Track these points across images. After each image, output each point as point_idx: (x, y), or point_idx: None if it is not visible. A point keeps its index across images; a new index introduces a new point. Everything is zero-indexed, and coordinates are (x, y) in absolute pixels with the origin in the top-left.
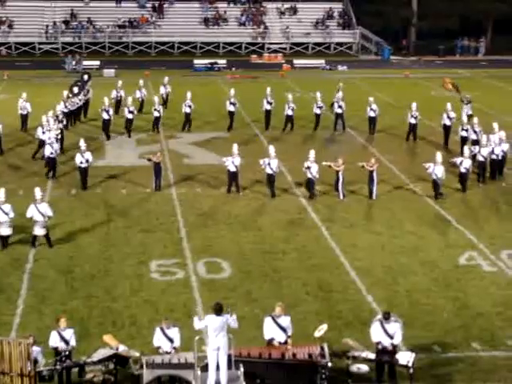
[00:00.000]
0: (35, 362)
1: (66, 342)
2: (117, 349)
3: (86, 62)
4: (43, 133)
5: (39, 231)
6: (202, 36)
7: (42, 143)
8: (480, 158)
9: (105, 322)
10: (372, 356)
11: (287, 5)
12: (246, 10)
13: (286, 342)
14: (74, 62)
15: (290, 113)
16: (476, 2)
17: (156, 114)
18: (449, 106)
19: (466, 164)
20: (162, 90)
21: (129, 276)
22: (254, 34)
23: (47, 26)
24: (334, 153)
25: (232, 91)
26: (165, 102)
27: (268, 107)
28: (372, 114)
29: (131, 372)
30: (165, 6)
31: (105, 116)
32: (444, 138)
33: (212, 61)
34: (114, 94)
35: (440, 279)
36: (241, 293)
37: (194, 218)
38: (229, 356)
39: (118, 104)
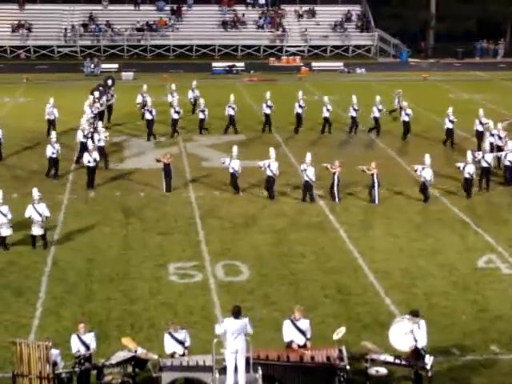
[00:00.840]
0: (54, 364)
1: (87, 346)
2: (135, 351)
3: (104, 65)
4: (84, 136)
5: (37, 231)
6: (220, 39)
7: (83, 146)
8: (484, 164)
9: (123, 324)
10: (390, 359)
11: (305, 7)
12: (265, 13)
13: (305, 345)
14: (92, 65)
15: (299, 111)
16: (494, 5)
17: (201, 115)
18: (481, 112)
19: (469, 169)
20: (191, 95)
21: (147, 279)
22: (272, 37)
23: (66, 29)
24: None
25: (268, 94)
26: (193, 107)
27: (299, 111)
28: (406, 119)
29: (149, 374)
30: (183, 9)
31: (148, 116)
32: (477, 143)
33: (230, 64)
34: (139, 98)
35: (459, 282)
36: (259, 295)
37: (212, 221)
38: (247, 359)
39: (144, 107)
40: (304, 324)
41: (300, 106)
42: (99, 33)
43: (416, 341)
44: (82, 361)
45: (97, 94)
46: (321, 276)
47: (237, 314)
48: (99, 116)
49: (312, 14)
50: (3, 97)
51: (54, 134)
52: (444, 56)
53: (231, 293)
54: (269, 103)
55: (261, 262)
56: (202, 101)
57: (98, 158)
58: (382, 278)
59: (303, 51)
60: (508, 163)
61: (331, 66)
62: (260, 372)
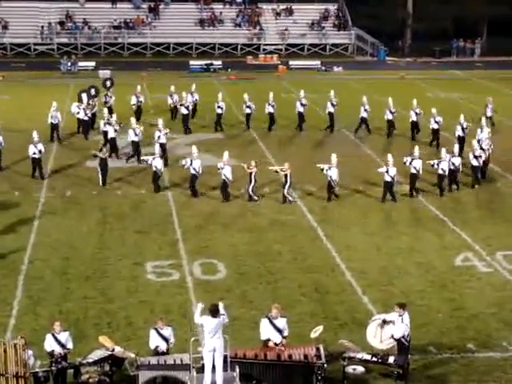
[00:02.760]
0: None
1: (62, 345)
2: (112, 350)
3: (81, 63)
4: (115, 131)
5: None
6: (197, 37)
7: (105, 135)
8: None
9: (100, 323)
10: (368, 357)
11: (283, 6)
12: (242, 11)
13: (281, 344)
14: (69, 63)
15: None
16: (471, 4)
17: (219, 111)
18: (462, 118)
19: (442, 166)
20: (190, 99)
21: (124, 277)
22: (249, 35)
23: (42, 26)
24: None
25: (271, 94)
26: (193, 112)
27: (301, 109)
28: (435, 126)
29: (127, 373)
30: (160, 7)
31: (184, 111)
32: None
33: (208, 62)
34: (134, 100)
35: (435, 280)
36: (236, 294)
37: (189, 220)
38: (225, 357)
39: (138, 110)
40: (281, 322)
41: (302, 105)
42: (76, 31)
43: (393, 335)
44: (59, 359)
45: (84, 96)
46: (298, 275)
47: (214, 312)
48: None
49: (289, 12)
50: None
51: (35, 134)
52: (421, 55)
53: (208, 291)
54: (272, 102)
55: (238, 261)
56: (220, 96)
57: (42, 150)
58: (360, 276)
59: (281, 49)
60: (441, 171)
61: (309, 64)
62: (238, 370)
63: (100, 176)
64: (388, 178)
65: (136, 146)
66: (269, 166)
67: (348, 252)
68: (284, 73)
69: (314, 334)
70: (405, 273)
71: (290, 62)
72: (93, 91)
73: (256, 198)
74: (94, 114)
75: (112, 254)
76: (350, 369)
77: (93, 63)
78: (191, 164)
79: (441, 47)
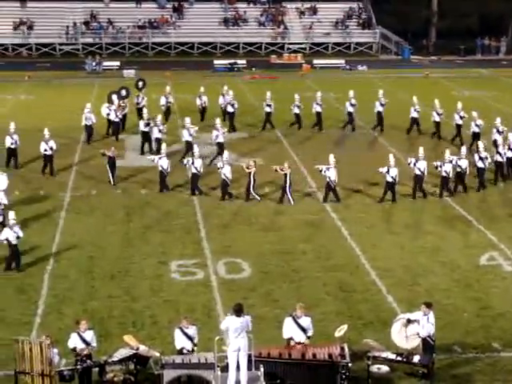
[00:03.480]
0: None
1: (87, 344)
2: (137, 349)
3: (106, 63)
4: (159, 131)
5: None
6: (221, 36)
7: (145, 136)
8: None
9: (125, 322)
10: (392, 356)
11: (307, 5)
12: (266, 10)
13: (304, 343)
14: (94, 63)
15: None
16: (496, 1)
17: (268, 109)
18: (459, 105)
19: (446, 168)
20: (221, 101)
21: (149, 276)
22: (273, 34)
23: (67, 26)
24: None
25: (297, 96)
26: (224, 114)
27: (319, 109)
28: (476, 130)
29: (151, 372)
30: (184, 6)
31: (230, 109)
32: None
33: (232, 61)
34: (163, 100)
35: (460, 279)
36: (260, 293)
37: (214, 219)
38: (249, 356)
39: (168, 110)
40: (305, 321)
41: (318, 104)
42: (101, 30)
43: (419, 333)
44: (84, 358)
45: (115, 97)
46: (322, 273)
47: (239, 311)
48: (123, 118)
49: (313, 11)
50: (5, 94)
51: (46, 131)
52: (446, 53)
53: (233, 290)
54: (268, 102)
55: (262, 260)
56: (268, 94)
57: (54, 147)
58: (384, 275)
59: (305, 48)
60: (444, 174)
61: (333, 63)
62: (262, 369)
63: (110, 175)
64: (389, 179)
65: (190, 145)
66: (272, 166)
67: (372, 251)
68: (308, 72)
69: (338, 333)
70: (429, 272)
71: (314, 61)
72: (123, 92)
73: (257, 196)
74: (124, 116)
75: (136, 253)
76: (374, 368)
77: (117, 63)
78: (193, 163)
79: (465, 45)
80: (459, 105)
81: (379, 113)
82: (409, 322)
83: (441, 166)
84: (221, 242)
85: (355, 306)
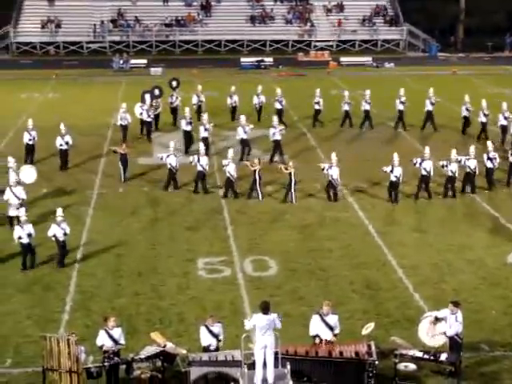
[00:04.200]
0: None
1: (115, 341)
2: (164, 346)
3: (133, 61)
4: (188, 123)
5: (13, 212)
6: (248, 34)
7: (188, 135)
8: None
9: (152, 319)
10: (419, 354)
11: (334, 2)
12: (293, 8)
13: (331, 341)
14: (121, 61)
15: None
16: None
17: (316, 106)
18: (504, 105)
19: (452, 167)
20: (256, 100)
21: (176, 274)
22: (300, 32)
23: (95, 25)
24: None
25: (346, 92)
26: (258, 113)
27: (347, 108)
28: (505, 123)
29: (178, 369)
30: (212, 4)
31: (278, 106)
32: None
33: (259, 59)
34: (195, 99)
35: (488, 277)
36: (287, 290)
37: (241, 216)
38: (276, 354)
39: (199, 109)
40: (332, 319)
41: (367, 102)
42: (128, 28)
43: (445, 332)
44: (111, 355)
45: (147, 96)
46: (349, 271)
47: (265, 309)
48: (155, 119)
49: (340, 8)
50: (33, 92)
51: (62, 126)
52: (473, 50)
53: (259, 288)
54: (347, 100)
55: (289, 258)
56: (346, 93)
57: (70, 142)
58: (411, 273)
59: (332, 46)
60: (450, 173)
61: (360, 60)
62: (289, 367)
63: (121, 172)
64: (393, 178)
65: (245, 143)
66: (279, 165)
67: (399, 249)
68: (335, 69)
69: (365, 331)
70: (456, 270)
71: (341, 59)
72: (157, 91)
73: (261, 195)
74: (157, 115)
75: (163, 251)
76: (401, 366)
77: (144, 61)
78: (198, 161)
79: (493, 42)
80: (504, 105)
81: (429, 112)
82: (436, 319)
83: (447, 166)
84: (247, 240)
85: (382, 303)
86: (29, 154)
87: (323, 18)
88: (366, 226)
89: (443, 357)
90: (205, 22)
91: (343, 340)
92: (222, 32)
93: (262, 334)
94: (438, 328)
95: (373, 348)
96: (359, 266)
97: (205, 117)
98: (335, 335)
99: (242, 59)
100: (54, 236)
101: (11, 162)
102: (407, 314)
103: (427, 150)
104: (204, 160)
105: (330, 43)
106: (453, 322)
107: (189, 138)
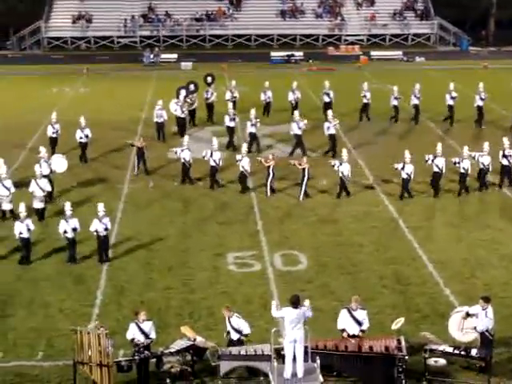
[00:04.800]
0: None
1: (145, 335)
2: (194, 340)
3: (163, 56)
4: (232, 119)
5: (38, 205)
6: (278, 28)
7: (231, 131)
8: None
9: (182, 313)
10: (450, 349)
11: None
12: (323, 2)
13: (358, 336)
14: (151, 56)
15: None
16: None
17: (365, 100)
18: None
19: (464, 164)
20: (291, 97)
21: (206, 268)
22: (331, 26)
23: (125, 19)
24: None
25: (395, 87)
26: (293, 109)
27: (395, 102)
28: (451, 102)
29: (208, 363)
30: None
31: (326, 99)
32: None
33: (289, 53)
34: (228, 95)
35: None
36: (317, 285)
37: (270, 211)
38: (305, 348)
39: (234, 106)
40: (361, 314)
41: (452, 97)
42: (158, 23)
43: (476, 327)
44: (142, 349)
45: (183, 92)
46: (379, 266)
47: (295, 303)
48: (191, 114)
49: (371, 2)
50: (64, 87)
51: (82, 120)
52: (505, 44)
53: (289, 282)
54: (365, 93)
55: (319, 252)
56: (395, 88)
57: (89, 135)
58: (441, 268)
59: (362, 40)
60: (462, 170)
61: (390, 54)
62: (318, 361)
63: (136, 165)
64: (404, 175)
65: (299, 139)
66: (290, 160)
67: (429, 243)
68: (365, 63)
69: (395, 326)
70: (487, 265)
71: (372, 53)
72: (192, 87)
73: (269, 192)
74: (193, 111)
75: (194, 245)
76: (431, 361)
77: (175, 55)
78: (211, 156)
79: None
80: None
81: (479, 107)
82: (467, 315)
83: (459, 163)
84: (278, 234)
85: (412, 298)
86: (52, 147)
87: (354, 11)
88: (396, 220)
89: (474, 352)
90: (235, 16)
91: (373, 335)
92: (251, 26)
93: (292, 328)
94: (469, 323)
95: (403, 343)
96: (389, 260)
97: (252, 112)
98: (362, 331)
99: (272, 53)
100: (96, 231)
101: (42, 152)
102: (437, 309)
103: (439, 146)
104: (217, 155)
105: (361, 37)
106: (483, 318)
107: (232, 134)
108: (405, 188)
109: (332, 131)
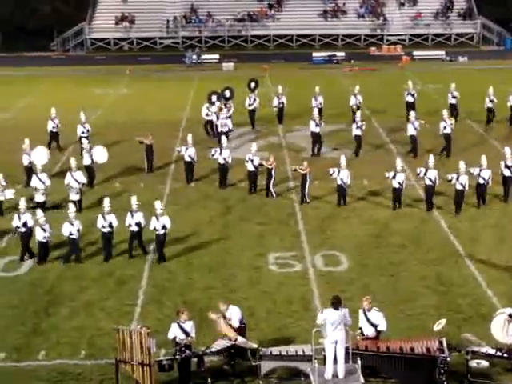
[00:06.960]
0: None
1: (187, 334)
2: (235, 340)
3: (205, 56)
4: (317, 125)
5: (74, 197)
6: (320, 29)
7: (316, 136)
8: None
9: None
10: (492, 351)
11: None
12: (365, 2)
13: (375, 337)
14: (194, 56)
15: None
16: None
17: (409, 98)
18: None
19: (462, 180)
20: (353, 101)
21: (246, 268)
22: (372, 26)
23: (168, 20)
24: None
25: (491, 89)
26: (354, 114)
27: (453, 101)
28: (490, 105)
29: (249, 363)
30: None
31: (410, 99)
32: None
33: (331, 53)
34: (275, 101)
35: None
36: (358, 286)
37: (312, 211)
38: (346, 349)
39: (280, 112)
40: (374, 316)
41: (491, 101)
42: (200, 24)
43: None
44: (183, 348)
45: (214, 97)
46: (421, 267)
47: (336, 304)
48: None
49: (413, 2)
50: (107, 88)
51: (82, 115)
52: None
53: (330, 283)
54: (412, 91)
55: (360, 253)
56: (491, 90)
57: (90, 130)
58: (484, 269)
59: (404, 40)
60: (460, 187)
61: (433, 54)
62: (359, 362)
63: (145, 162)
64: (396, 185)
65: (316, 138)
66: (292, 166)
67: (472, 244)
68: (407, 63)
69: (436, 327)
70: None
71: (414, 53)
72: (227, 93)
73: (274, 194)
74: (229, 118)
75: (235, 245)
76: (473, 363)
77: (217, 56)
78: (220, 154)
79: None
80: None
81: (491, 109)
82: (510, 317)
83: (457, 179)
84: (319, 235)
85: (454, 299)
86: (52, 141)
87: (396, 11)
88: (438, 221)
89: None
90: (277, 16)
91: (414, 336)
92: (293, 27)
93: (333, 329)
94: None
95: (444, 344)
96: (431, 261)
97: (315, 112)
98: (378, 332)
99: (314, 54)
100: (129, 225)
101: (85, 143)
102: (480, 310)
103: (431, 158)
104: (226, 153)
105: (403, 37)
106: None
107: (317, 139)
108: (397, 198)
109: (448, 130)
